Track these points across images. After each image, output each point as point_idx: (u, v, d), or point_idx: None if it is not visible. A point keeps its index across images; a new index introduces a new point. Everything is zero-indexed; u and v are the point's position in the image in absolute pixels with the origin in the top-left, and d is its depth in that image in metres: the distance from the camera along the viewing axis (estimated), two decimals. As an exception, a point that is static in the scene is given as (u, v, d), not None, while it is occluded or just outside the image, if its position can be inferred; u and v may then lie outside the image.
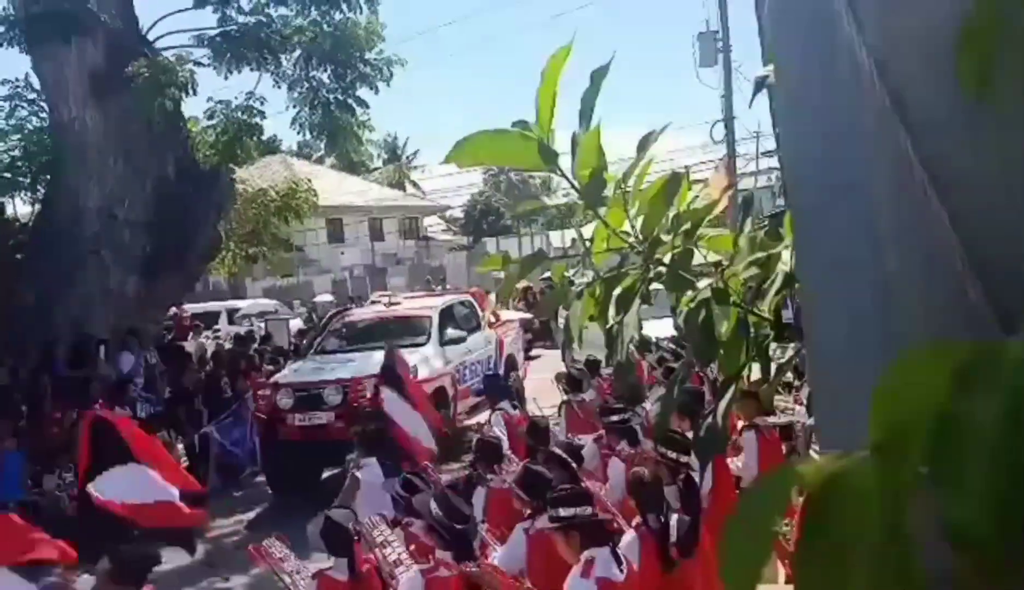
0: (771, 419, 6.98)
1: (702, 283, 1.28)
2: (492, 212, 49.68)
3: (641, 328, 1.41)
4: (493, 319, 14.99)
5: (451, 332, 13.01)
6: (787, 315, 1.58)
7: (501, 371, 13.79)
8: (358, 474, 6.94)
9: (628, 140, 1.55)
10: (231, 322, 22.18)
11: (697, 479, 5.82)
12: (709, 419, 1.33)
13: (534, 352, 21.88)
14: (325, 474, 11.46)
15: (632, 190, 1.36)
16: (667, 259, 1.34)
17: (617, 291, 1.34)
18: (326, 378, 11.79)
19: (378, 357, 10.91)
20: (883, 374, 0.57)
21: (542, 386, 12.60)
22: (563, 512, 4.38)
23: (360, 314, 15.16)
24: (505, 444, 7.67)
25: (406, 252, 43.30)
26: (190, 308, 21.34)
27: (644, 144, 1.36)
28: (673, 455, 5.58)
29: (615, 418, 7.05)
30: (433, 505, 4.72)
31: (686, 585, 4.90)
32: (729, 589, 0.60)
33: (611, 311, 1.36)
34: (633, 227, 1.37)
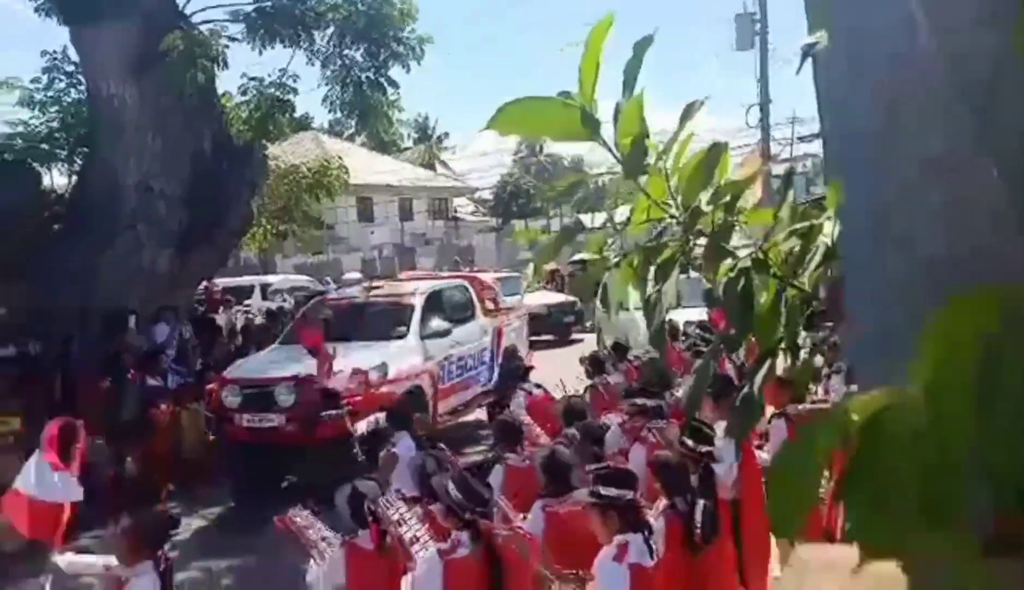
0: (801, 407, 6.93)
1: (742, 252, 1.29)
2: (522, 194, 49.63)
3: (679, 302, 1.42)
4: (491, 306, 13.77)
5: (436, 323, 11.46)
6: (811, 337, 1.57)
7: (498, 364, 12.82)
8: (394, 449, 6.98)
9: (661, 122, 1.55)
10: (264, 297, 22.33)
11: (720, 469, 5.84)
12: (744, 391, 1.34)
13: (575, 336, 21.85)
14: (285, 483, 10.55)
15: (673, 160, 1.36)
16: (707, 230, 1.35)
17: (657, 261, 1.35)
18: (278, 375, 10.30)
19: (348, 351, 10.30)
20: (932, 317, 0.58)
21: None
22: (605, 491, 4.38)
23: (338, 299, 13.44)
24: (527, 424, 7.71)
25: (435, 232, 43.42)
26: (224, 282, 21.59)
27: (687, 114, 1.36)
28: (694, 444, 5.60)
29: (642, 401, 7.04)
30: (451, 486, 4.71)
31: (709, 571, 4.92)
32: (776, 529, 0.60)
33: (649, 281, 1.36)
34: (674, 197, 1.37)
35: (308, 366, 9.99)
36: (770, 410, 7.20)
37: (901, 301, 0.89)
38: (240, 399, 10.31)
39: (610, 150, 1.38)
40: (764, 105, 22.85)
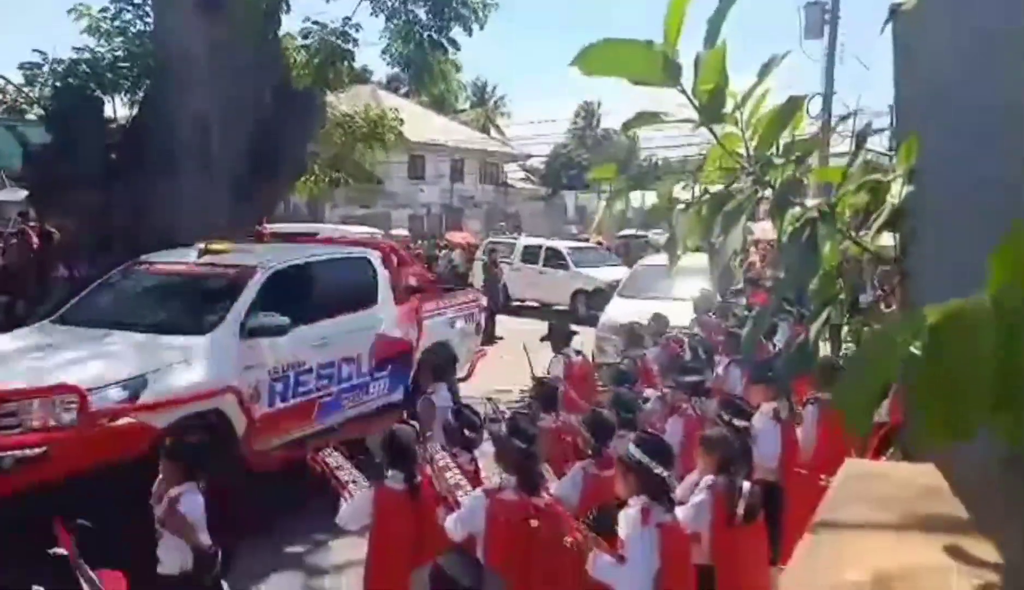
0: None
1: (811, 203, 1.32)
2: (573, 165, 49.41)
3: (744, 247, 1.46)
4: (417, 288, 10.70)
5: (278, 312, 7.79)
6: (865, 299, 1.61)
7: (413, 369, 9.57)
8: (433, 399, 7.09)
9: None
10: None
11: (761, 451, 5.90)
12: (800, 339, 1.38)
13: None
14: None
15: (750, 112, 1.39)
16: (776, 183, 1.39)
17: (725, 209, 1.39)
18: (22, 384, 6.54)
19: (114, 347, 7.31)
20: (1004, 238, 0.62)
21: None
22: (636, 453, 4.44)
23: (160, 264, 9.40)
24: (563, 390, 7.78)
25: (484, 196, 43.51)
26: (281, 228, 21.99)
27: (765, 70, 1.39)
28: (728, 418, 5.67)
29: (685, 378, 7.08)
30: (504, 428, 4.90)
31: (746, 550, 4.97)
32: (847, 423, 0.66)
33: (716, 228, 1.40)
34: (747, 148, 1.41)
35: (70, 367, 6.79)
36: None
37: (976, 252, 0.93)
38: None
39: (688, 98, 1.41)
40: (827, 95, 22.48)
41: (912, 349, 0.64)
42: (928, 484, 0.87)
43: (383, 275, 9.74)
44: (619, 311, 14.07)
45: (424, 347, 9.84)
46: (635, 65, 1.38)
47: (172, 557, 4.82)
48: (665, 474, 4.45)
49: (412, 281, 10.86)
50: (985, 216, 0.94)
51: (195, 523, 4.78)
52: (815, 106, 22.71)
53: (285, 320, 7.78)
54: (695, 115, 1.44)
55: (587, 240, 29.25)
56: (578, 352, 9.10)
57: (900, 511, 0.84)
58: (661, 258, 18.48)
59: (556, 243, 25.46)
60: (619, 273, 19.62)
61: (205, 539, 4.81)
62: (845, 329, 1.60)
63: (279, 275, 8.36)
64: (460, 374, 9.95)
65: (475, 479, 5.18)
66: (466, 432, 5.57)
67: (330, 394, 8.61)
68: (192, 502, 4.85)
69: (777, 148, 1.42)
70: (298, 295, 8.40)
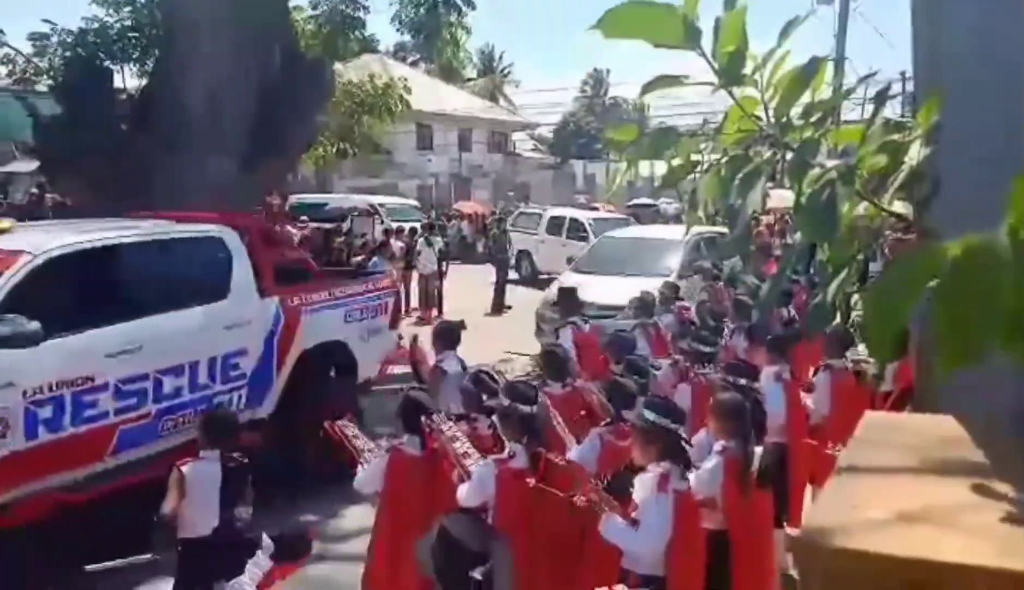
0: (848, 359, 6.96)
1: (830, 163, 1.34)
2: (582, 134, 49.20)
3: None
4: (298, 270, 9.01)
5: (18, 322, 5.71)
6: (875, 267, 1.62)
7: (277, 375, 7.95)
8: (444, 366, 7.13)
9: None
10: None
11: (768, 414, 5.92)
12: (817, 299, 1.40)
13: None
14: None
15: (769, 74, 1.41)
16: (795, 145, 1.40)
17: (744, 171, 1.41)
18: None
19: None
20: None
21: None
22: (651, 416, 4.47)
23: None
24: (572, 356, 7.81)
25: (493, 165, 43.38)
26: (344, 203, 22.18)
27: (787, 30, 1.40)
28: (736, 380, 5.70)
29: (702, 347, 7.11)
30: (502, 396, 4.94)
31: (757, 514, 5.01)
32: (871, 349, 0.69)
33: (735, 190, 1.42)
34: (766, 110, 1.42)
35: None
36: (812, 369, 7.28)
37: (996, 215, 0.95)
38: None
39: (708, 60, 1.43)
40: (839, 60, 22.33)
41: (933, 279, 0.67)
42: (947, 434, 0.90)
43: (241, 260, 7.77)
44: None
45: (305, 347, 8.16)
46: (656, 28, 1.39)
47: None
48: (681, 430, 4.50)
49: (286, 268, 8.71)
50: (1005, 177, 0.96)
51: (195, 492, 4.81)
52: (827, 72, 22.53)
53: (34, 327, 5.72)
54: (713, 79, 1.46)
55: (597, 209, 29.03)
56: (586, 319, 9.11)
57: (920, 457, 0.87)
58: (625, 232, 18.08)
59: (578, 213, 25.09)
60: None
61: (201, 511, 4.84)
62: (855, 298, 1.62)
63: (59, 263, 6.27)
64: (366, 377, 8.97)
65: (495, 445, 5.21)
66: (485, 398, 5.60)
67: (142, 417, 6.65)
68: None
69: (799, 108, 1.44)
70: (91, 289, 6.69)
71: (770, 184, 1.41)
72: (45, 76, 14.73)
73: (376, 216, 23.20)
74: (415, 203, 29.29)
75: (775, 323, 8.65)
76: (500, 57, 58.79)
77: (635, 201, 32.32)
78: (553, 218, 24.51)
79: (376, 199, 26.98)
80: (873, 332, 0.69)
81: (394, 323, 9.72)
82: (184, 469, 4.81)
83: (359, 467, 5.34)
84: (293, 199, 24.45)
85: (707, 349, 7.05)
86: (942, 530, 0.77)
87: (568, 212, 25.13)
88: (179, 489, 4.73)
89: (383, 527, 5.16)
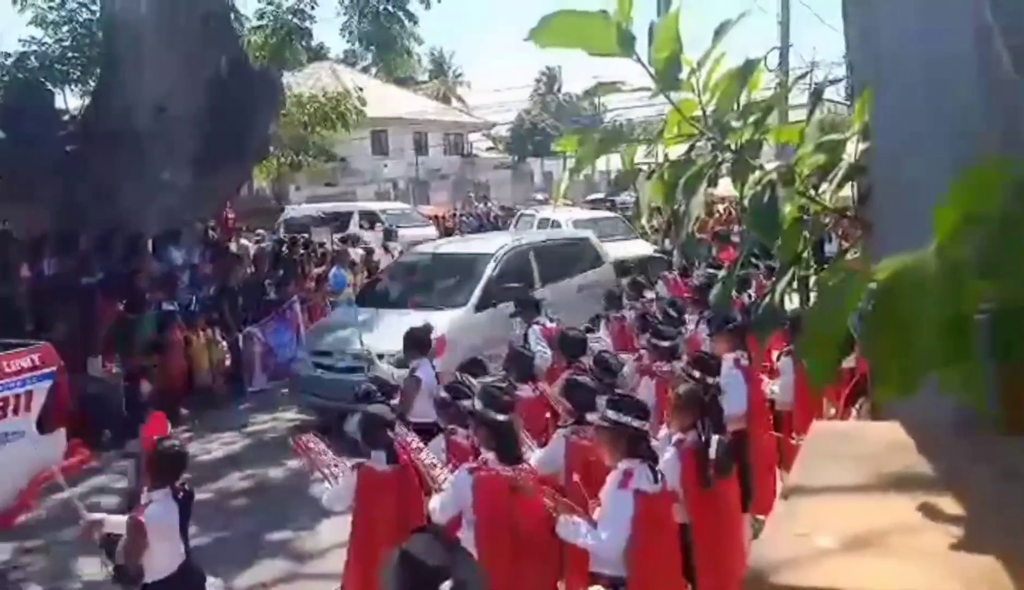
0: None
1: (770, 165, 1.34)
2: (538, 131, 49.22)
3: (698, 216, 1.47)
4: None
5: None
6: (830, 249, 1.62)
7: None
8: (418, 374, 7.06)
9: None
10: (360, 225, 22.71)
11: (728, 401, 5.93)
12: (766, 300, 1.40)
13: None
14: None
15: (706, 77, 1.40)
16: (735, 147, 1.40)
17: (685, 175, 1.40)
18: None
19: None
20: (951, 187, 0.64)
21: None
22: (613, 415, 4.44)
23: None
24: (548, 355, 7.77)
25: (450, 168, 43.26)
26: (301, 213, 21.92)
27: (721, 31, 1.39)
28: (699, 375, 5.67)
29: (662, 342, 7.09)
30: (477, 402, 4.86)
31: (722, 504, 5.00)
32: (811, 379, 0.67)
33: (678, 193, 1.41)
34: (704, 114, 1.41)
35: None
36: (776, 353, 7.33)
37: (930, 202, 0.95)
38: None
39: (644, 66, 1.42)
40: (784, 49, 22.56)
41: (863, 303, 0.66)
42: (896, 441, 0.89)
43: None
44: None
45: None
46: (590, 37, 1.38)
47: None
48: (644, 427, 4.47)
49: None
50: (936, 167, 0.96)
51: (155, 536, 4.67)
52: (773, 60, 22.76)
53: None
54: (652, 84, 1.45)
55: (571, 206, 28.00)
56: (550, 318, 9.09)
57: (870, 471, 0.86)
58: (427, 247, 13.89)
59: (559, 215, 20.86)
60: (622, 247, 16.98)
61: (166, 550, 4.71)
62: (812, 280, 1.62)
63: None
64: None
65: (474, 454, 5.14)
66: (462, 406, 5.52)
67: None
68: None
69: (736, 110, 1.43)
70: None
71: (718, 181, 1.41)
72: (-15, 101, 14.43)
73: (380, 223, 23.11)
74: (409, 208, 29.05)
75: (734, 310, 8.69)
76: (451, 58, 58.77)
77: (592, 196, 32.33)
78: (543, 221, 21.49)
79: (376, 205, 26.74)
80: (810, 361, 0.68)
81: (50, 422, 6.84)
82: (142, 518, 4.63)
83: (326, 483, 5.29)
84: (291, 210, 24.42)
85: (665, 343, 7.03)
86: (895, 558, 0.75)
87: (554, 214, 21.15)
88: (141, 540, 4.58)
89: (356, 544, 5.10)
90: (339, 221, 22.15)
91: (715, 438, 4.92)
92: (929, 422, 0.86)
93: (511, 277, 10.89)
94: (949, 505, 0.80)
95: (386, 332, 9.31)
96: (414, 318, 9.11)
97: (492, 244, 12.07)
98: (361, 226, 23.32)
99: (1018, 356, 0.63)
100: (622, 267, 14.20)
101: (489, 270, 10.95)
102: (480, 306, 10.45)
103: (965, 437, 0.78)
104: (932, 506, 0.80)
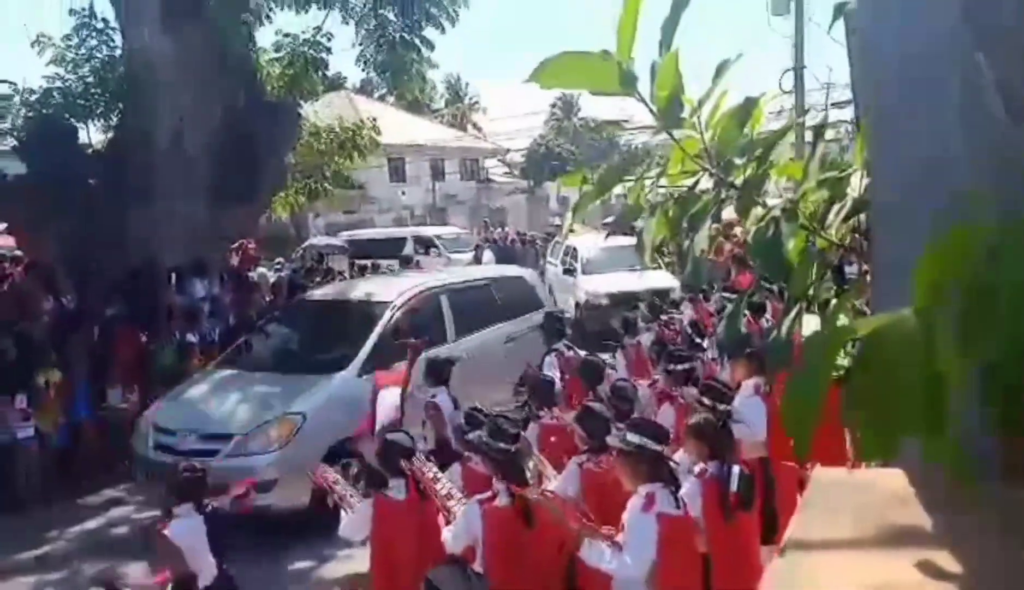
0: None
1: (773, 202, 1.34)
2: (554, 156, 49.33)
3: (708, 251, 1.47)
4: None
5: None
6: (850, 271, 1.63)
7: None
8: (436, 401, 7.05)
9: (697, 87, 1.59)
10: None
11: (746, 429, 5.87)
12: (774, 335, 1.40)
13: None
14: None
15: (708, 114, 1.41)
16: (739, 182, 1.40)
17: (690, 211, 1.40)
18: None
19: None
20: (927, 250, 0.64)
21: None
22: (634, 438, 4.40)
23: None
24: (559, 384, 7.75)
25: (467, 193, 43.43)
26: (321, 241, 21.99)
27: (721, 70, 1.40)
28: (711, 402, 5.61)
29: (678, 366, 7.06)
30: (483, 432, 4.87)
31: (742, 536, 4.93)
32: (795, 447, 0.67)
33: (683, 230, 1.42)
34: (707, 151, 1.42)
35: None
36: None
37: (926, 238, 0.95)
38: None
39: (646, 104, 1.43)
40: (798, 70, 22.48)
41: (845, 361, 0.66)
42: (897, 492, 0.88)
43: None
44: None
45: None
46: (592, 77, 1.39)
47: None
48: (665, 450, 4.44)
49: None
50: (936, 211, 0.96)
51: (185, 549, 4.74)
52: (788, 81, 22.72)
53: None
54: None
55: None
56: (568, 346, 9.08)
57: (870, 523, 0.85)
58: (325, 291, 12.39)
59: (576, 242, 19.51)
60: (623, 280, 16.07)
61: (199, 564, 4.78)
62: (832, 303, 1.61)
63: None
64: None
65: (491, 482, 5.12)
66: (470, 437, 5.52)
67: None
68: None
69: (738, 146, 1.44)
70: None
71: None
72: (9, 137, 14.61)
73: (434, 248, 23.13)
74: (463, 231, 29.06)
75: (753, 335, 8.65)
76: (466, 85, 59.07)
77: (610, 219, 32.29)
78: (567, 248, 20.23)
79: (431, 230, 26.80)
80: (791, 430, 0.68)
81: None
82: (167, 532, 4.71)
83: (343, 513, 5.30)
84: (344, 235, 24.46)
85: (680, 368, 7.00)
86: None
87: (573, 242, 19.78)
88: (173, 552, 4.63)
89: (376, 575, 5.11)
90: (393, 246, 22.13)
91: (736, 469, 4.86)
92: (931, 466, 0.85)
93: (414, 329, 8.80)
94: (949, 562, 0.79)
95: (238, 406, 8.33)
96: (279, 386, 8.41)
97: (392, 289, 10.13)
98: (416, 251, 23.35)
99: (1007, 425, 0.63)
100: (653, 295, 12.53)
101: (384, 322, 9.08)
102: (366, 369, 8.44)
103: (968, 485, 0.77)
104: (932, 563, 0.79)
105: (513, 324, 10.65)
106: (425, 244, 24.55)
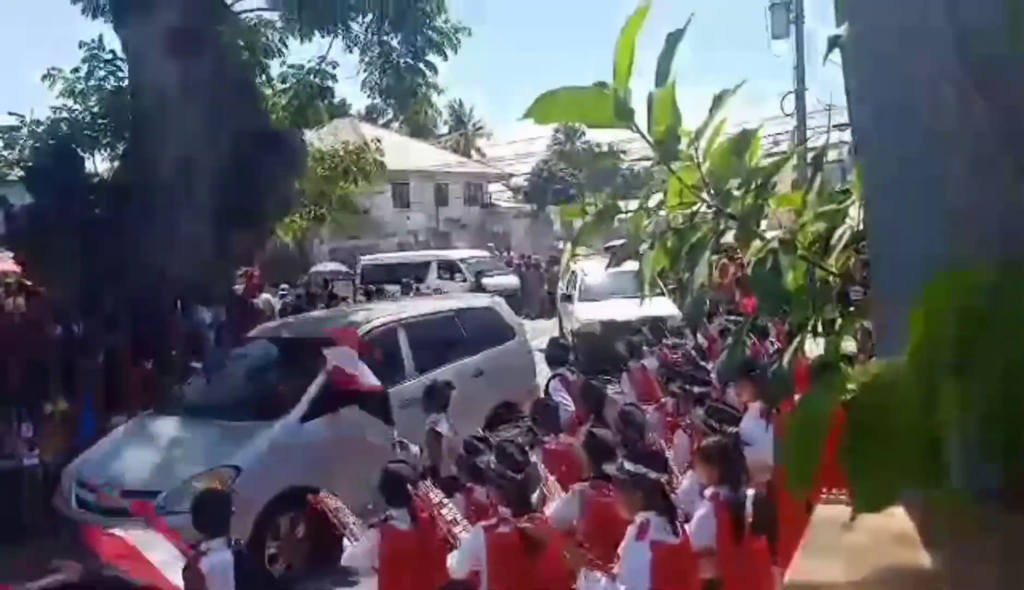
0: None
1: (771, 234, 1.34)
2: (557, 180, 49.48)
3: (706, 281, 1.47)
4: None
5: None
6: (855, 292, 1.62)
7: None
8: (437, 429, 7.02)
9: (699, 112, 1.59)
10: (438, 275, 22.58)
11: (754, 452, 5.82)
12: (775, 366, 1.39)
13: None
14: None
15: (705, 146, 1.41)
16: (738, 214, 1.40)
17: (689, 243, 1.40)
18: None
19: None
20: (920, 293, 0.64)
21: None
22: (630, 467, 4.39)
23: None
24: (571, 407, 7.70)
25: (470, 218, 43.55)
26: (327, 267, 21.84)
27: (718, 102, 1.41)
28: (717, 424, 5.59)
29: (694, 388, 7.03)
30: (492, 458, 4.86)
31: (752, 558, 4.88)
32: (791, 481, 0.67)
33: (682, 262, 1.42)
34: (705, 182, 1.42)
35: None
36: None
37: (925, 273, 0.95)
38: None
39: (644, 137, 1.43)
40: (799, 93, 22.57)
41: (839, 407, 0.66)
42: (898, 530, 0.87)
43: None
44: None
45: None
46: (589, 110, 1.39)
47: None
48: (662, 479, 4.42)
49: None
50: (932, 243, 0.95)
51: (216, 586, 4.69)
52: (789, 103, 22.81)
53: None
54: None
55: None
56: (572, 369, 9.07)
57: (871, 564, 0.84)
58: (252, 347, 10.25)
59: (577, 267, 18.02)
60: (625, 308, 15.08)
61: None
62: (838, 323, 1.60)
63: None
64: None
65: (494, 509, 5.09)
66: (477, 462, 5.50)
67: None
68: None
69: (736, 178, 1.44)
70: None
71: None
72: (16, 167, 14.75)
73: (459, 272, 22.75)
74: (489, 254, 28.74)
75: (759, 357, 8.62)
76: (470, 111, 59.42)
77: (613, 242, 32.24)
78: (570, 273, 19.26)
79: (456, 254, 26.41)
80: (792, 471, 0.67)
81: None
82: (201, 567, 4.64)
83: (346, 541, 5.28)
84: (365, 259, 24.16)
85: (698, 389, 6.98)
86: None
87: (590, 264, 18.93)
88: (200, 587, 4.58)
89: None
90: (415, 272, 21.83)
91: (750, 492, 4.83)
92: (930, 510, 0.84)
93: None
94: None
95: (165, 458, 7.69)
96: (215, 435, 7.87)
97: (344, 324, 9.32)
98: (441, 277, 23.00)
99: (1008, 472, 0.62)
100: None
101: (306, 401, 8.13)
102: (311, 414, 7.93)
103: (970, 516, 0.76)
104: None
105: (482, 357, 10.04)
106: (450, 268, 24.07)
